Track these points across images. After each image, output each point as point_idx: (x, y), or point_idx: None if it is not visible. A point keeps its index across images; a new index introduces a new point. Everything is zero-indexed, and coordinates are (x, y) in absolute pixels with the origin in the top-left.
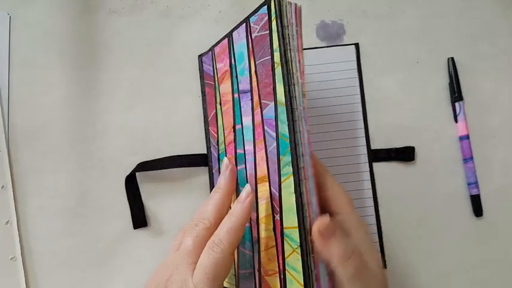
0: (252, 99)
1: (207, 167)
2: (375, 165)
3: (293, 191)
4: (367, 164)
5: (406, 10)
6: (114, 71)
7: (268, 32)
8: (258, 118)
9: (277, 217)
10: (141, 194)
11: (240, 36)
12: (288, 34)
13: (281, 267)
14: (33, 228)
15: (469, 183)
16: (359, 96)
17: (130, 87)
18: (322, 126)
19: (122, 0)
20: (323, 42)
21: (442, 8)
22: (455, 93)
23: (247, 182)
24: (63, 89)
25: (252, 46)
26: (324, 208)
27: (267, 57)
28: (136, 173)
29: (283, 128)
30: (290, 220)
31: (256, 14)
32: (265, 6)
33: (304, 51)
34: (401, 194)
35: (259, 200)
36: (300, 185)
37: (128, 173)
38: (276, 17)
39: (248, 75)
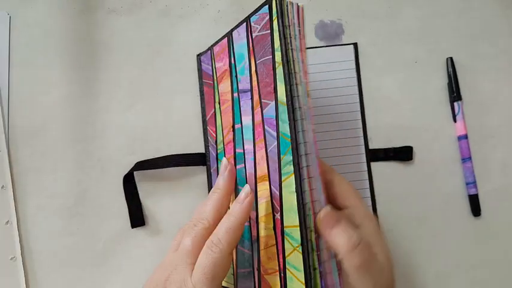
0: (252, 98)
1: (205, 167)
2: (373, 165)
3: (294, 190)
4: (366, 164)
5: (405, 10)
6: (113, 71)
7: (269, 31)
8: (258, 117)
9: (278, 216)
10: (139, 193)
11: (240, 36)
12: (290, 34)
13: (281, 265)
14: (33, 228)
15: (468, 183)
16: (357, 96)
17: (129, 86)
18: (321, 125)
19: (120, 0)
20: (322, 41)
21: (441, 8)
22: (454, 93)
23: (246, 181)
24: (63, 89)
25: (253, 45)
26: (334, 205)
27: (267, 57)
28: (135, 172)
29: (284, 128)
30: (291, 219)
31: (257, 14)
32: (266, 6)
33: None
34: (399, 193)
35: (259, 199)
36: (301, 184)
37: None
38: (278, 16)
39: (248, 74)
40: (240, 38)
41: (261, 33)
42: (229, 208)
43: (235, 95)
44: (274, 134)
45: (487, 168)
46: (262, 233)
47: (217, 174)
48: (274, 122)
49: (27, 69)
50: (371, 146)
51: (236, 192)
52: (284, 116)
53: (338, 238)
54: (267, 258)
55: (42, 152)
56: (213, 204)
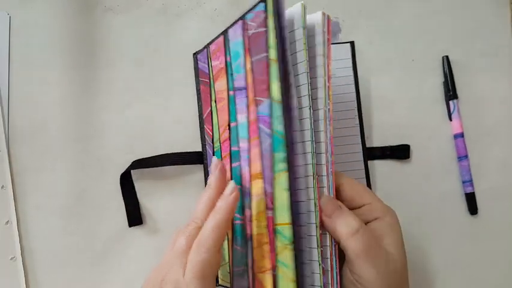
0: (247, 96)
1: (202, 165)
2: (370, 163)
3: (286, 187)
4: (362, 162)
5: (401, 8)
6: (110, 69)
7: (264, 29)
8: (252, 115)
9: (270, 213)
10: (137, 191)
11: (235, 34)
12: (287, 34)
13: (273, 264)
14: (32, 228)
15: (464, 181)
16: (354, 94)
17: (126, 85)
18: None
19: None
20: None
21: (437, 7)
22: (450, 92)
23: (242, 179)
24: (62, 88)
25: (248, 43)
26: (351, 207)
27: (263, 55)
28: (132, 171)
29: (278, 125)
30: (282, 217)
31: (252, 11)
32: (262, 4)
33: None
34: (396, 192)
35: (252, 197)
36: (306, 182)
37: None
38: (274, 14)
39: (243, 72)
40: (235, 36)
41: (256, 31)
42: None
43: (231, 93)
44: (268, 131)
45: (483, 167)
46: (255, 231)
47: None
48: (268, 120)
49: (27, 68)
50: (368, 145)
51: None
52: (278, 113)
53: (338, 224)
54: (261, 257)
55: (41, 151)
56: (204, 203)
